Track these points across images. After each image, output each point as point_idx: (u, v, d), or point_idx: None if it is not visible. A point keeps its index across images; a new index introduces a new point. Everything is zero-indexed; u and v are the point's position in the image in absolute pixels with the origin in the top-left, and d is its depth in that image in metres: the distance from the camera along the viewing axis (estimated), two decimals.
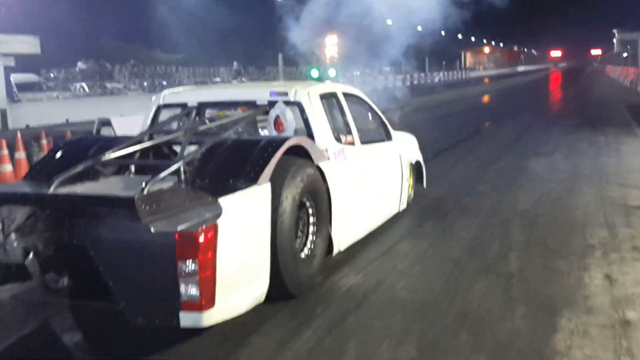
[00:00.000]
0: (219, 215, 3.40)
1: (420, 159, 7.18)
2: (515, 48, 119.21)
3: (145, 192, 3.40)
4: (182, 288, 3.23)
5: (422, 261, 5.06)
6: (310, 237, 4.48)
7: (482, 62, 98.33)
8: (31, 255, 3.36)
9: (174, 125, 5.18)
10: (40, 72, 39.62)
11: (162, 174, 3.72)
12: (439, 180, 8.25)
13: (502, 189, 7.81)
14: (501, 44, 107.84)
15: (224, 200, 3.52)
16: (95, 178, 4.19)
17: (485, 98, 31.03)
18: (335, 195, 4.71)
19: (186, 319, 3.27)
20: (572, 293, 4.23)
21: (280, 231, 3.96)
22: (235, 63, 42.92)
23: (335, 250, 4.81)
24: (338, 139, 5.09)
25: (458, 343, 3.52)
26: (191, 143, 4.36)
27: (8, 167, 9.03)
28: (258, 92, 5.35)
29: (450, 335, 3.62)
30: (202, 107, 5.27)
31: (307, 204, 4.44)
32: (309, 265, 4.38)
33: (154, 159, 4.64)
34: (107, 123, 9.32)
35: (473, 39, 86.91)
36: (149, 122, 5.27)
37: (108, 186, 4.09)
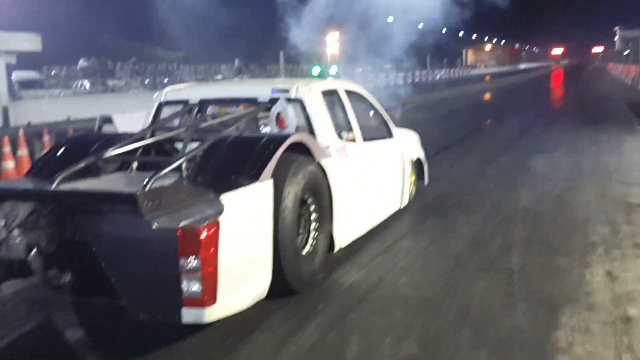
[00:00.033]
0: (220, 211, 3.40)
1: (422, 156, 7.19)
2: (517, 45, 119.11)
3: (147, 188, 3.40)
4: (184, 284, 3.24)
5: (423, 258, 5.07)
6: (311, 233, 4.49)
7: (483, 59, 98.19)
8: (34, 251, 3.37)
9: (176, 122, 5.18)
10: (41, 69, 39.60)
11: (164, 171, 3.72)
12: (440, 177, 8.25)
13: (504, 186, 7.81)
14: (502, 42, 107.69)
15: (225, 197, 3.53)
16: (97, 175, 4.19)
17: (487, 96, 31.00)
18: (337, 192, 4.72)
19: (188, 315, 3.28)
20: (573, 290, 4.24)
21: (282, 228, 3.96)
22: (236, 60, 42.83)
23: (337, 247, 4.82)
24: (340, 136, 5.10)
25: (459, 339, 3.53)
26: (193, 140, 4.36)
27: (10, 164, 9.03)
28: (260, 89, 5.35)
29: (451, 332, 3.63)
30: (203, 104, 5.28)
31: (309, 200, 4.45)
32: (311, 261, 4.39)
33: (155, 155, 4.65)
34: (108, 120, 9.30)
35: (474, 36, 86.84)
36: (150, 119, 5.28)
37: (110, 183, 4.09)
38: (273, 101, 4.92)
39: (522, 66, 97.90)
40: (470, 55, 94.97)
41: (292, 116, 4.76)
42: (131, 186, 3.64)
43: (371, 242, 5.42)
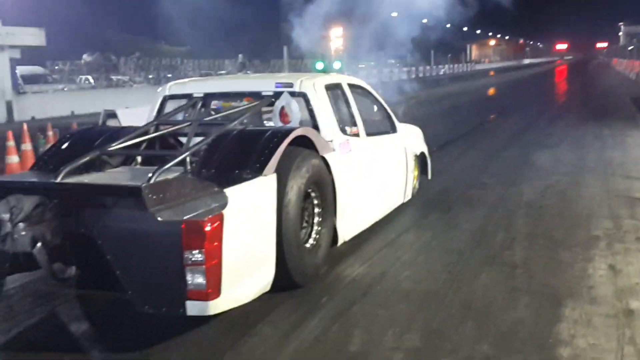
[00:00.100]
0: (225, 205, 3.42)
1: (425, 151, 7.19)
2: (521, 41, 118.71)
3: (152, 181, 3.43)
4: (189, 277, 3.25)
5: (426, 252, 5.08)
6: (315, 227, 4.50)
7: (487, 54, 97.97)
8: (39, 244, 3.39)
9: (180, 116, 5.20)
10: (45, 64, 39.66)
11: (168, 165, 3.74)
12: (444, 172, 8.26)
13: (507, 181, 7.81)
14: (507, 37, 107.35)
15: (230, 191, 3.54)
16: (102, 168, 4.22)
17: (491, 91, 30.94)
18: (340, 186, 4.73)
19: (192, 307, 3.29)
20: (576, 283, 4.25)
21: (285, 221, 3.98)
22: (240, 55, 42.86)
23: (340, 241, 4.84)
24: (343, 130, 5.11)
25: (462, 332, 3.55)
26: (197, 134, 4.38)
27: (15, 159, 9.08)
28: (263, 83, 5.36)
29: (454, 325, 3.65)
30: (207, 98, 5.29)
31: (313, 194, 4.46)
32: (314, 255, 4.41)
33: (160, 149, 4.67)
34: (112, 115, 9.33)
35: (479, 31, 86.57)
36: (154, 113, 5.29)
37: (114, 176, 4.12)
38: (277, 95, 4.93)
39: (526, 61, 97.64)
40: (474, 51, 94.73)
41: (295, 110, 4.77)
42: (136, 180, 3.67)
43: (374, 236, 5.44)
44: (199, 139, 4.20)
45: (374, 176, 5.52)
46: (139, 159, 4.58)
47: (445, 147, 10.81)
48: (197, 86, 5.50)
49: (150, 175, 3.52)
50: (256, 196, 3.79)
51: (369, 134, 5.52)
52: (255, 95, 5.16)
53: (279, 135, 4.13)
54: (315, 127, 4.80)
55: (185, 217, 3.27)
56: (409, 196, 6.57)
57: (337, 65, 23.90)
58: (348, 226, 4.93)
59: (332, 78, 5.60)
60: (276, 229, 3.92)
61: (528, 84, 35.81)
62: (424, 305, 3.96)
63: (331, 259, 4.71)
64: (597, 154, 9.69)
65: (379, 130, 5.98)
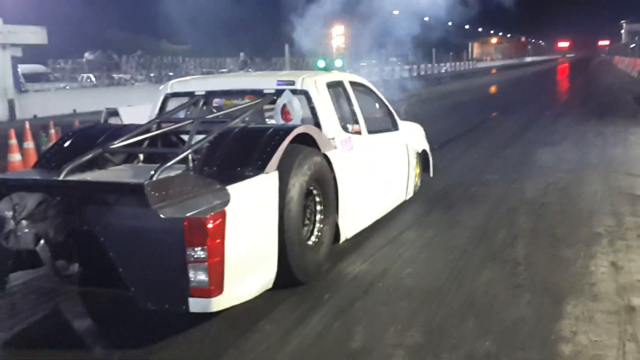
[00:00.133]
0: (227, 202, 3.43)
1: (427, 149, 7.20)
2: (523, 39, 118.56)
3: (154, 179, 3.44)
4: (191, 274, 3.27)
5: (428, 249, 5.09)
6: (317, 224, 4.51)
7: (489, 52, 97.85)
8: (42, 241, 3.40)
9: (182, 114, 5.21)
10: (47, 62, 39.69)
11: (171, 162, 3.75)
12: (445, 169, 8.27)
13: (509, 178, 7.81)
14: (509, 35, 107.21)
15: (232, 188, 3.55)
16: (104, 166, 4.23)
17: (493, 89, 30.91)
18: (342, 184, 4.74)
19: (195, 304, 3.31)
20: (578, 280, 4.25)
21: (287, 219, 3.99)
22: (241, 54, 42.80)
23: (342, 238, 4.84)
24: (345, 128, 5.11)
25: (464, 329, 3.56)
26: (199, 132, 4.38)
27: (17, 157, 9.11)
28: (265, 81, 5.37)
29: (456, 322, 3.65)
30: (209, 95, 5.30)
31: (314, 192, 4.47)
32: (316, 252, 4.42)
33: (162, 147, 4.68)
34: (114, 113, 9.36)
35: (480, 29, 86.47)
36: (156, 110, 5.30)
37: (117, 174, 4.13)
38: (278, 93, 4.94)
39: (528, 59, 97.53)
40: (476, 49, 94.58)
41: (297, 108, 4.78)
42: (138, 177, 3.68)
43: (376, 233, 5.44)
44: (201, 136, 4.21)
45: (376, 174, 5.52)
46: (141, 156, 4.59)
47: (447, 145, 10.81)
48: (199, 84, 5.50)
49: (152, 172, 3.54)
50: (258, 193, 3.80)
51: (370, 132, 5.52)
52: (257, 93, 5.17)
53: (281, 133, 4.13)
54: (317, 124, 4.81)
55: (187, 214, 3.28)
56: (410, 194, 6.58)
57: (338, 63, 23.87)
58: (350, 223, 4.93)
59: (334, 76, 5.60)
60: (278, 226, 3.93)
61: (530, 82, 35.76)
62: (426, 302, 3.97)
63: (333, 256, 4.72)
64: (599, 152, 9.69)
65: (381, 127, 5.99)
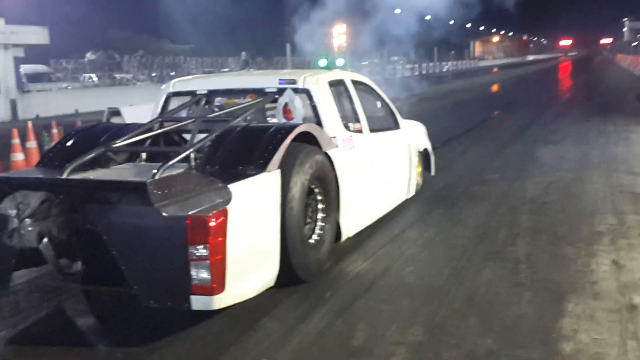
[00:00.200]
0: (229, 200, 3.45)
1: (429, 147, 7.20)
2: (525, 37, 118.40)
3: (157, 177, 3.46)
4: (193, 272, 3.28)
5: (430, 247, 5.10)
6: (319, 223, 4.52)
7: (491, 51, 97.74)
8: (45, 239, 3.42)
9: (184, 113, 5.23)
10: (49, 63, 39.76)
11: (173, 161, 3.77)
12: (447, 168, 8.28)
13: (511, 177, 7.82)
14: (510, 33, 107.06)
15: (234, 187, 3.57)
16: (107, 165, 4.25)
17: (494, 87, 30.88)
18: (344, 182, 4.75)
19: (197, 302, 3.32)
20: (579, 279, 4.26)
21: (289, 217, 4.00)
22: (243, 53, 42.83)
23: (344, 237, 4.86)
24: (346, 127, 5.12)
25: (465, 326, 3.56)
26: (201, 130, 4.40)
27: (20, 156, 9.13)
28: (267, 79, 5.38)
29: (457, 319, 3.66)
30: (211, 94, 5.31)
31: (316, 190, 4.48)
32: (318, 250, 4.43)
33: (164, 146, 4.69)
34: (116, 113, 9.39)
35: (482, 28, 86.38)
36: (158, 110, 5.32)
37: (120, 173, 4.15)
38: (280, 92, 4.95)
39: (530, 58, 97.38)
40: (477, 47, 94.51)
41: (299, 107, 4.79)
42: (141, 176, 3.70)
43: (378, 231, 5.45)
44: (202, 135, 4.22)
45: (378, 172, 5.53)
46: (144, 155, 4.61)
47: (449, 144, 10.82)
48: (201, 83, 5.52)
49: (155, 171, 3.55)
50: (260, 192, 3.81)
51: (372, 130, 5.53)
52: (259, 92, 5.18)
53: (283, 131, 4.15)
54: (319, 123, 4.81)
55: (189, 213, 3.29)
56: (412, 192, 6.59)
57: (340, 62, 23.89)
58: (351, 222, 4.95)
59: (335, 74, 5.61)
60: (280, 224, 3.94)
61: (531, 81, 35.73)
62: (428, 300, 3.98)
63: (335, 254, 4.73)
64: (601, 150, 9.69)
65: (382, 126, 6.00)
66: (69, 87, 32.67)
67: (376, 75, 26.66)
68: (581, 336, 3.40)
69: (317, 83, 5.02)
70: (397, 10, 20.90)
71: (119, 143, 4.26)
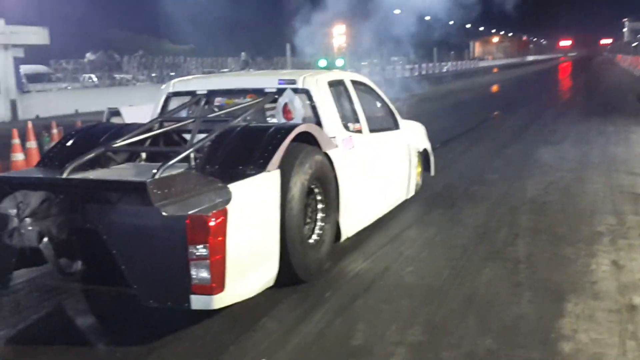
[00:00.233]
0: (229, 200, 3.45)
1: (428, 147, 7.21)
2: (525, 37, 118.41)
3: (157, 177, 3.46)
4: (193, 271, 3.28)
5: (429, 247, 5.10)
6: (318, 223, 4.52)
7: (490, 51, 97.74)
8: (45, 239, 3.42)
9: (184, 113, 5.23)
10: (49, 63, 39.77)
11: (173, 161, 3.77)
12: (447, 168, 8.28)
13: (511, 177, 7.82)
14: (510, 34, 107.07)
15: (233, 187, 3.57)
16: (107, 165, 4.25)
17: (494, 88, 30.89)
18: (343, 182, 4.75)
19: (197, 301, 3.33)
20: (579, 279, 4.26)
21: (288, 217, 4.00)
22: (243, 53, 42.84)
23: (344, 237, 4.86)
24: (346, 127, 5.12)
25: (465, 326, 3.57)
26: (201, 130, 4.40)
27: (20, 156, 9.14)
28: (266, 80, 5.38)
29: (457, 319, 3.66)
30: (211, 95, 5.31)
31: (316, 190, 4.48)
32: (318, 250, 4.43)
33: (164, 146, 4.70)
34: (116, 113, 9.39)
35: (482, 28, 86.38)
36: (158, 110, 5.32)
37: (119, 172, 4.15)
38: (280, 92, 4.95)
39: (530, 58, 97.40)
40: (477, 48, 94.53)
41: (298, 107, 4.79)
42: (141, 175, 3.70)
43: (377, 232, 5.46)
44: (202, 135, 4.22)
45: (377, 172, 5.53)
46: (144, 155, 4.61)
47: (449, 144, 10.82)
48: (201, 83, 5.52)
49: (154, 171, 3.55)
50: (260, 192, 3.82)
51: (371, 131, 5.53)
52: (258, 92, 5.18)
53: (282, 131, 4.15)
54: (318, 123, 4.82)
55: (189, 212, 3.29)
56: (412, 192, 6.59)
57: (340, 62, 23.90)
58: (351, 222, 4.95)
59: (335, 75, 5.61)
60: (280, 224, 3.94)
61: (531, 81, 35.73)
62: (427, 300, 3.98)
63: (334, 254, 4.74)
64: (601, 150, 9.69)
65: (382, 126, 6.00)
66: (69, 88, 32.68)
67: (376, 76, 26.67)
68: (580, 336, 3.41)
69: (317, 83, 5.02)
70: (397, 11, 20.91)
71: (119, 143, 4.26)
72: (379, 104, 6.25)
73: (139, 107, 9.21)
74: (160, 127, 4.70)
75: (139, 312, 3.72)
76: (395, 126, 6.30)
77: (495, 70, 55.38)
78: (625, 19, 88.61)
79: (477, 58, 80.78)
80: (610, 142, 10.53)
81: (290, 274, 4.07)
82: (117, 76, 41.56)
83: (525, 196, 6.76)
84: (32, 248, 3.45)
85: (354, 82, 5.68)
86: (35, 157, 8.95)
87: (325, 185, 4.54)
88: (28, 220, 3.37)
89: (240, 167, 3.88)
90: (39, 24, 23.70)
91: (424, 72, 46.75)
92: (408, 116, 7.26)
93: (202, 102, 5.21)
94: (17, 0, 26.40)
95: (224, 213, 3.36)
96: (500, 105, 19.19)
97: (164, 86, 5.56)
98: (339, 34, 26.85)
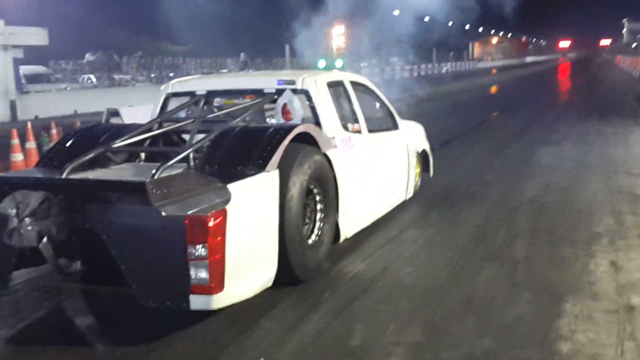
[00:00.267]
0: (228, 200, 3.45)
1: (427, 148, 7.21)
2: (524, 38, 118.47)
3: (156, 177, 3.46)
4: (192, 271, 3.29)
5: (428, 248, 5.10)
6: (317, 223, 4.53)
7: (490, 52, 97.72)
8: (45, 239, 3.43)
9: (183, 113, 5.23)
10: (48, 64, 39.74)
11: (172, 161, 3.78)
12: (446, 169, 8.28)
13: (510, 177, 7.83)
14: (509, 35, 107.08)
15: (232, 187, 3.58)
16: (106, 165, 4.26)
17: (493, 89, 30.91)
18: (342, 183, 4.76)
19: (196, 301, 3.33)
20: (577, 279, 4.27)
21: (287, 217, 4.01)
22: (242, 54, 42.84)
23: (342, 237, 4.86)
24: (345, 127, 5.13)
25: (463, 327, 3.57)
26: (200, 131, 4.41)
27: (19, 157, 9.14)
28: (266, 80, 5.39)
29: (455, 320, 3.67)
30: (210, 95, 5.32)
31: (315, 191, 4.49)
32: (317, 251, 4.44)
33: (163, 146, 4.70)
34: (115, 113, 9.38)
35: (481, 29, 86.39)
36: (158, 110, 5.33)
37: (119, 172, 4.15)
38: (279, 92, 4.96)
39: (529, 59, 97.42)
40: (476, 48, 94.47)
41: (298, 107, 4.80)
42: (140, 176, 3.71)
43: (376, 232, 5.46)
44: (201, 135, 4.23)
45: (376, 173, 5.54)
46: (143, 155, 4.62)
47: (448, 145, 10.83)
48: (200, 84, 5.53)
49: (154, 171, 3.56)
50: (259, 192, 3.82)
51: (370, 131, 5.54)
52: (258, 93, 5.19)
53: (282, 132, 4.16)
54: (317, 124, 4.83)
55: (188, 212, 3.30)
56: (410, 193, 6.60)
57: (339, 63, 23.92)
58: (350, 223, 4.95)
59: (334, 75, 5.62)
60: (279, 224, 3.95)
61: (531, 82, 35.75)
62: (426, 300, 3.98)
63: (333, 255, 4.74)
64: (599, 151, 9.70)
65: (381, 127, 6.01)
66: (68, 88, 32.64)
67: (375, 77, 26.69)
68: (579, 336, 3.41)
69: (316, 84, 5.03)
70: (396, 12, 20.92)
71: (118, 143, 4.27)
72: (378, 105, 6.26)
73: (138, 107, 9.20)
74: (159, 128, 4.70)
75: (138, 312, 3.73)
76: (394, 127, 6.31)
77: (494, 71, 55.38)
78: (625, 20, 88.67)
79: (476, 59, 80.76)
80: (609, 142, 10.55)
81: (289, 274, 4.08)
82: (116, 77, 41.52)
83: (525, 197, 6.77)
84: (32, 248, 3.46)
85: (353, 83, 5.69)
86: (35, 158, 8.96)
87: (324, 186, 4.54)
88: (27, 220, 3.37)
89: (240, 168, 3.89)
90: (39, 24, 23.69)
91: (423, 73, 46.74)
92: (407, 117, 7.26)
93: (202, 103, 5.22)
94: (16, 1, 26.41)
95: (223, 213, 3.37)
96: (499, 106, 19.21)
97: (163, 87, 5.57)
98: (338, 35, 26.87)
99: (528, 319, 3.67)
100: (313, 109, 4.92)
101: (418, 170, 6.88)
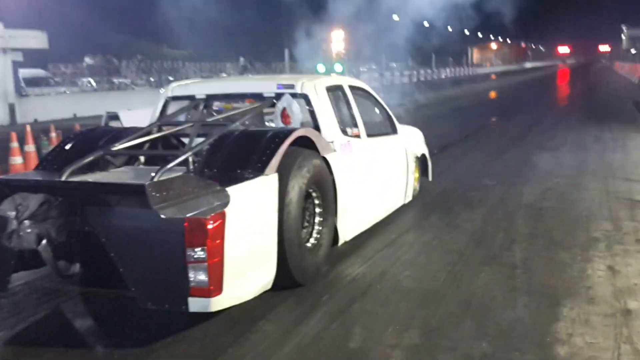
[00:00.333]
0: (227, 203, 3.47)
1: (426, 153, 7.23)
2: (523, 44, 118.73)
3: (155, 180, 3.48)
4: (191, 274, 3.30)
5: (426, 252, 5.12)
6: (316, 227, 4.55)
7: (489, 58, 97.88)
8: (44, 241, 3.44)
9: (182, 117, 5.25)
10: (48, 67, 39.77)
11: (172, 164, 3.80)
12: (444, 173, 8.31)
13: (508, 182, 7.86)
14: (508, 40, 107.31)
15: (232, 190, 3.59)
16: (105, 168, 4.28)
17: (492, 94, 30.96)
18: (341, 187, 4.77)
19: (195, 304, 3.34)
20: (574, 284, 4.29)
21: (286, 220, 4.02)
22: (241, 59, 42.89)
23: (341, 241, 4.88)
24: (344, 132, 5.15)
25: (461, 330, 3.59)
26: (199, 134, 4.43)
27: (18, 160, 9.14)
28: (265, 84, 5.41)
29: (453, 323, 3.68)
30: (209, 99, 5.34)
31: (314, 194, 4.50)
32: (315, 254, 4.45)
33: (162, 150, 4.72)
34: (115, 117, 9.39)
35: (480, 35, 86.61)
36: (157, 114, 5.35)
37: (118, 175, 4.17)
38: (278, 96, 4.98)
39: (528, 65, 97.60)
40: (475, 54, 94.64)
41: (297, 111, 4.82)
42: (139, 178, 3.72)
43: (375, 236, 5.48)
44: (201, 139, 4.25)
45: (375, 177, 5.56)
46: (142, 158, 4.63)
47: (446, 150, 10.86)
48: (200, 88, 5.55)
49: (153, 174, 3.58)
50: (258, 195, 3.84)
51: (369, 135, 5.56)
52: (257, 97, 5.21)
53: (281, 135, 4.17)
54: (317, 128, 4.85)
55: (188, 215, 3.31)
56: (409, 198, 6.61)
57: (338, 68, 23.96)
58: (349, 226, 4.97)
59: (333, 80, 5.64)
60: (277, 228, 3.96)
61: (530, 88, 35.83)
62: (424, 304, 4.00)
63: (332, 258, 4.75)
64: (598, 157, 9.73)
65: (380, 131, 6.03)
66: (67, 92, 32.64)
67: (374, 82, 26.73)
68: (576, 340, 3.43)
69: (315, 88, 5.05)
70: (396, 17, 20.98)
71: (118, 146, 4.28)
72: (377, 109, 6.28)
73: (137, 111, 9.22)
74: (159, 131, 4.72)
75: (137, 315, 3.74)
76: (393, 131, 6.33)
77: (493, 77, 55.43)
78: (623, 26, 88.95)
79: (476, 64, 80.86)
80: (608, 148, 10.58)
81: (287, 277, 4.09)
82: (116, 80, 41.51)
83: (522, 201, 6.79)
84: (31, 250, 3.46)
85: (352, 87, 5.71)
86: (34, 161, 8.96)
87: (323, 189, 4.56)
88: (27, 222, 3.38)
89: (239, 171, 3.91)
90: (38, 27, 23.71)
91: (422, 79, 46.75)
92: (407, 122, 7.30)
93: (201, 107, 5.23)
94: (16, 3, 26.44)
95: (222, 216, 3.38)
96: (498, 111, 19.25)
97: (163, 90, 5.59)
98: (338, 40, 26.93)
99: (526, 322, 3.68)
100: (312, 113, 4.94)
101: (417, 174, 6.90)
